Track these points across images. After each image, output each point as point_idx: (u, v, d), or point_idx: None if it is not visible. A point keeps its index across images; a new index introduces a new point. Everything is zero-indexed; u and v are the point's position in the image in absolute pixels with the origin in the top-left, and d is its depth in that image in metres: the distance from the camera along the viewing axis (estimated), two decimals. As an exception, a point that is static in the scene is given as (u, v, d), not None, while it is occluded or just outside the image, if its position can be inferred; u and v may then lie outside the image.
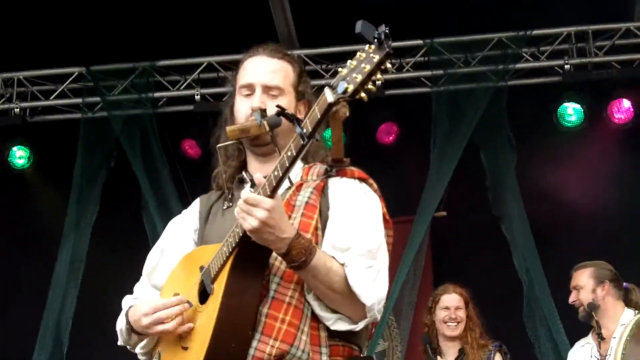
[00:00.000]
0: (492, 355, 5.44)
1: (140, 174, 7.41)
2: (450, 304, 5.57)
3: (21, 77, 7.74)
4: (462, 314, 5.51)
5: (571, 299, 5.32)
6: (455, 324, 5.51)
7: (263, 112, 2.58)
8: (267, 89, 2.74)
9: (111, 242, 7.51)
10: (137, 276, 2.95)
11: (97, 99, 7.66)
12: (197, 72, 7.64)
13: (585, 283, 5.25)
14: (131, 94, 7.62)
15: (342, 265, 2.50)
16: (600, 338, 5.03)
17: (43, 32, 7.24)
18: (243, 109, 2.75)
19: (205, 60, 7.59)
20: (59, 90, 7.74)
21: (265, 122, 2.54)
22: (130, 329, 2.74)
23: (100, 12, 7.11)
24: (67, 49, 7.43)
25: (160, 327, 2.61)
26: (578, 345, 5.40)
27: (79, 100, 7.74)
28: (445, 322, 5.53)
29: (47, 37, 7.27)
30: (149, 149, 7.51)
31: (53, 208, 7.80)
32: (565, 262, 5.66)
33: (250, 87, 2.76)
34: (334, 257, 2.51)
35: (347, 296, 2.49)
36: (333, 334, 2.55)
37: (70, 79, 7.73)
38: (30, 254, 7.71)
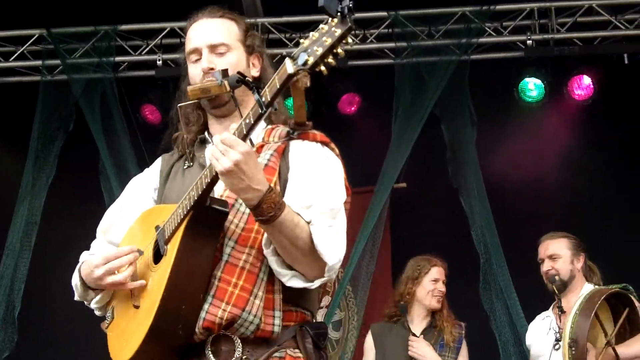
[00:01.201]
0: (462, 336, 5.48)
1: (98, 137, 7.33)
2: (440, 277, 5.58)
3: (-20, 37, 7.62)
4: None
5: (545, 267, 5.28)
6: (441, 296, 5.56)
7: (224, 71, 2.56)
8: (212, 48, 2.75)
9: (67, 206, 7.46)
10: (91, 239, 2.94)
11: (58, 61, 7.55)
12: (159, 38, 7.58)
13: (564, 253, 5.24)
14: (92, 58, 7.51)
15: (308, 223, 2.50)
16: (561, 311, 5.01)
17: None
18: (195, 73, 2.76)
19: (168, 25, 7.53)
20: (19, 52, 7.63)
21: (225, 82, 2.53)
22: (84, 284, 2.73)
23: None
24: (28, 10, 7.32)
25: (110, 279, 2.60)
26: (538, 318, 5.41)
27: (39, 62, 7.63)
28: (434, 295, 5.55)
29: (7, -3, 7.17)
30: (108, 113, 7.43)
31: (9, 171, 7.73)
32: (522, 236, 5.72)
33: (197, 51, 2.77)
34: (299, 214, 2.50)
35: (308, 253, 2.49)
36: (287, 298, 2.57)
37: (31, 41, 7.61)
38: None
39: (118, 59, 7.60)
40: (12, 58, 7.65)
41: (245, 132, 2.38)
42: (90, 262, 2.67)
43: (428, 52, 7.39)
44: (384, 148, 7.21)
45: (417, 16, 7.45)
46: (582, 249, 5.30)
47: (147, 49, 7.62)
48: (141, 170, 3.06)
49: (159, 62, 7.50)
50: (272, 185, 2.47)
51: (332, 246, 2.51)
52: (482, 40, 7.43)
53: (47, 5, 7.26)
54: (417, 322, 5.56)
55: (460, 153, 7.20)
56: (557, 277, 5.20)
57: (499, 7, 7.39)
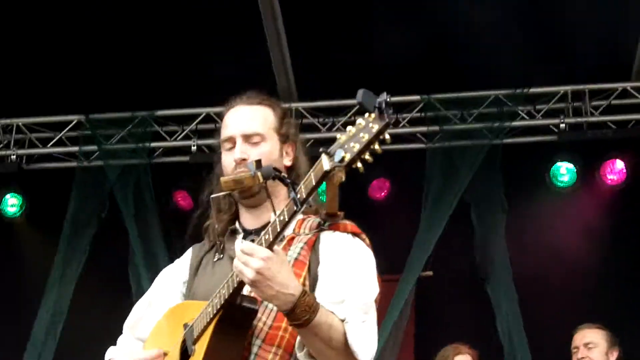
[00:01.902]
0: None
1: (130, 225, 7.39)
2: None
3: (20, 123, 7.78)
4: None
5: (580, 354, 5.22)
6: None
7: (257, 162, 2.53)
8: (246, 137, 2.73)
9: (95, 295, 7.40)
10: (117, 331, 2.92)
11: (94, 147, 7.68)
12: (195, 123, 7.67)
13: (600, 343, 5.18)
14: (128, 144, 7.64)
15: (343, 320, 2.46)
16: None
17: (43, 80, 7.30)
18: (227, 162, 2.74)
19: (204, 111, 7.62)
20: (57, 137, 7.76)
21: (259, 174, 2.51)
22: None
23: (100, 60, 7.18)
24: (66, 96, 7.49)
25: None
26: None
27: (76, 148, 7.76)
28: None
29: (47, 84, 7.33)
30: (141, 200, 7.50)
31: (40, 259, 7.72)
32: (549, 326, 5.59)
33: (231, 140, 2.75)
34: (333, 313, 2.46)
35: (342, 353, 2.45)
36: None
37: (69, 127, 7.75)
38: (13, 305, 7.62)
39: (153, 144, 7.71)
40: (51, 144, 7.79)
41: (278, 230, 2.36)
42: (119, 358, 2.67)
43: (460, 136, 7.38)
44: (413, 234, 7.14)
45: (449, 100, 7.46)
46: (618, 343, 5.22)
47: (183, 134, 7.72)
48: (170, 259, 3.06)
49: (194, 148, 7.59)
50: (305, 288, 2.44)
51: (366, 343, 2.47)
52: (515, 123, 7.40)
53: (86, 91, 7.42)
54: None
55: (488, 240, 7.09)
56: None
57: (533, 90, 7.38)
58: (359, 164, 2.23)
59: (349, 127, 2.25)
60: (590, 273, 7.20)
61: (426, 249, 7.04)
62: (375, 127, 2.17)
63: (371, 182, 7.50)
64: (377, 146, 2.20)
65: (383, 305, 6.79)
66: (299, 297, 2.36)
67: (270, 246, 2.38)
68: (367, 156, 2.21)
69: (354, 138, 2.20)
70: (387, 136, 2.20)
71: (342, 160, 2.21)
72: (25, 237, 7.91)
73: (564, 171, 7.27)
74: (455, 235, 7.20)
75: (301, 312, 2.36)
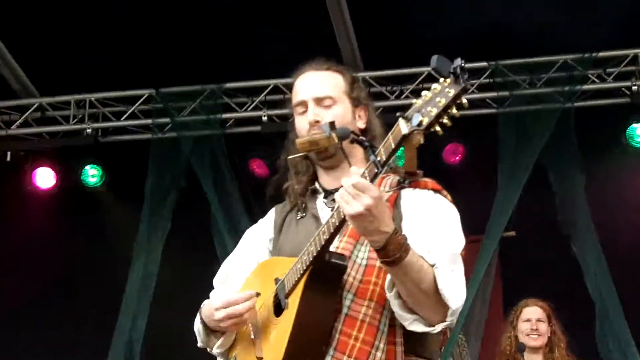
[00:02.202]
0: None
1: (210, 193, 7.52)
2: (532, 316, 5.61)
3: (93, 98, 7.93)
4: (543, 327, 5.54)
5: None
6: (537, 335, 5.52)
7: (331, 124, 2.58)
8: (318, 101, 2.78)
9: (181, 260, 7.60)
10: (206, 293, 2.98)
11: (167, 120, 7.81)
12: (263, 94, 7.75)
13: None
14: (200, 115, 7.75)
15: (432, 265, 2.49)
16: None
17: (115, 55, 7.43)
18: (301, 126, 2.79)
19: (272, 82, 7.70)
20: (130, 111, 7.90)
21: (334, 134, 2.56)
22: (206, 327, 2.79)
23: (169, 35, 7.26)
24: (137, 71, 7.60)
25: (231, 321, 2.66)
26: None
27: (149, 121, 7.91)
28: (528, 335, 5.54)
29: (119, 59, 7.46)
30: (218, 168, 7.62)
31: (124, 226, 7.96)
32: (638, 283, 5.57)
33: (303, 104, 2.80)
34: (423, 257, 2.50)
35: (432, 296, 2.48)
36: (408, 349, 2.56)
37: (141, 101, 7.89)
38: (102, 270, 7.84)
39: (225, 115, 7.81)
40: (124, 117, 7.93)
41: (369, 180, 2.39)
42: (212, 304, 2.72)
43: (531, 101, 7.36)
44: (490, 197, 7.17)
45: (518, 65, 7.45)
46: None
47: (253, 105, 7.80)
48: (251, 222, 3.12)
49: (264, 118, 7.67)
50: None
51: (455, 290, 2.50)
52: (586, 87, 7.38)
53: (156, 65, 7.53)
54: None
55: (569, 201, 7.11)
56: None
57: (601, 54, 7.33)
58: (438, 128, 2.26)
59: (425, 92, 2.28)
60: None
61: (506, 210, 7.07)
62: (452, 92, 2.20)
63: (445, 146, 7.52)
64: (454, 110, 2.23)
65: (468, 265, 6.82)
66: (392, 234, 2.39)
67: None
68: (445, 120, 2.24)
69: (431, 102, 2.23)
70: (464, 100, 2.22)
71: (420, 124, 2.24)
72: (108, 205, 8.12)
73: (640, 132, 7.20)
74: (534, 197, 7.22)
75: (393, 249, 2.39)
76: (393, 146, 2.33)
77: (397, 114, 2.31)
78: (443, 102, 2.20)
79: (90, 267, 7.93)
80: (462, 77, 2.19)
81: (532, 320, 5.56)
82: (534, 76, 7.44)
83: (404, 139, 2.30)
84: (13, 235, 8.01)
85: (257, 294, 2.69)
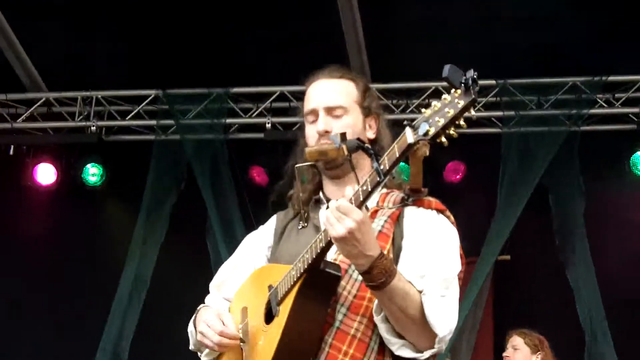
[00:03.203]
0: None
1: (208, 197, 7.51)
2: (509, 344, 5.65)
3: (99, 96, 7.92)
4: (519, 355, 5.50)
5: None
6: None
7: (342, 135, 2.53)
8: (329, 110, 2.75)
9: (176, 264, 7.60)
10: (198, 298, 2.98)
11: (171, 121, 7.80)
12: (269, 101, 7.73)
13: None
14: (204, 119, 7.73)
15: (420, 292, 2.46)
16: None
17: (123, 54, 7.44)
18: (311, 134, 2.77)
19: (278, 89, 7.68)
20: (135, 111, 7.89)
21: (344, 146, 2.51)
22: (195, 330, 2.77)
23: (179, 38, 7.27)
24: (145, 71, 7.61)
25: (206, 341, 2.65)
26: None
27: (154, 122, 7.90)
28: None
29: (127, 59, 7.47)
30: (218, 173, 7.61)
31: (122, 226, 7.97)
32: (630, 315, 5.54)
33: (314, 113, 2.78)
34: (411, 283, 2.47)
35: (419, 323, 2.45)
36: None
37: (147, 101, 7.87)
38: (96, 268, 7.86)
39: (229, 120, 7.79)
40: (129, 117, 7.92)
41: (361, 199, 2.37)
42: (203, 313, 2.72)
43: (536, 122, 7.33)
44: (489, 218, 7.15)
45: (526, 85, 7.42)
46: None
47: (257, 112, 7.79)
48: (247, 231, 3.09)
49: (268, 125, 7.65)
50: (384, 252, 2.45)
51: (443, 317, 2.47)
52: (593, 111, 7.33)
53: (164, 67, 7.54)
54: None
55: (567, 225, 7.08)
56: None
57: (612, 78, 7.29)
58: (444, 139, 2.23)
59: (434, 102, 2.25)
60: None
61: (503, 233, 7.04)
62: (462, 103, 2.17)
63: (446, 164, 7.48)
64: (462, 122, 2.20)
65: (461, 286, 6.85)
66: (377, 258, 2.37)
67: (359, 208, 2.38)
68: (452, 131, 2.21)
69: (439, 112, 2.20)
70: (472, 112, 2.20)
71: (426, 133, 2.21)
72: (107, 205, 8.14)
73: (644, 160, 7.17)
74: (532, 220, 7.19)
75: (377, 274, 2.38)
76: (397, 155, 2.30)
77: (404, 122, 2.28)
78: (452, 112, 2.18)
79: (86, 265, 7.93)
80: (473, 89, 2.17)
81: (509, 348, 5.61)
82: (541, 97, 7.39)
83: (409, 148, 2.27)
84: (10, 229, 8.02)
85: (242, 341, 2.65)
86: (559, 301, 7.10)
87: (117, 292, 7.45)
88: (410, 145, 2.25)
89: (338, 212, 2.34)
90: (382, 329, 2.49)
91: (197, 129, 7.74)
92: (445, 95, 2.22)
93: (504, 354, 5.59)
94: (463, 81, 2.17)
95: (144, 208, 7.66)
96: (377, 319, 2.49)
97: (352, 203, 2.37)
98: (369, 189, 2.36)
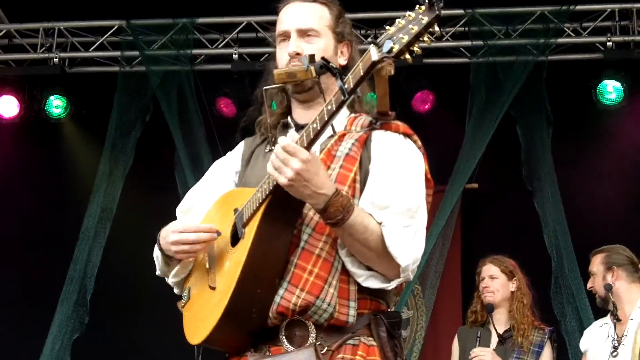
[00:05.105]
0: (544, 341, 5.39)
1: (174, 129, 7.43)
2: (485, 274, 5.62)
3: (62, 27, 7.74)
4: (497, 283, 5.53)
5: (588, 285, 5.41)
6: (489, 293, 5.53)
7: (311, 57, 2.52)
8: (301, 32, 2.72)
9: (142, 196, 7.59)
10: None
11: (136, 53, 7.66)
12: (236, 32, 7.60)
13: (597, 269, 5.28)
14: (170, 50, 7.60)
15: (380, 224, 2.46)
16: (617, 319, 5.04)
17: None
18: (281, 56, 2.75)
19: (245, 19, 7.54)
20: (99, 42, 7.74)
21: (312, 67, 2.48)
22: (163, 254, 2.75)
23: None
24: (108, 1, 7.45)
25: (182, 247, 2.62)
26: (596, 324, 5.39)
27: (118, 53, 7.76)
28: (483, 293, 5.57)
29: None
30: (184, 105, 7.53)
31: (87, 159, 7.90)
32: (596, 242, 5.61)
33: (285, 34, 2.75)
34: (371, 215, 2.47)
35: (382, 255, 2.46)
36: (363, 289, 2.54)
37: (110, 32, 7.72)
38: (61, 202, 7.82)
39: (195, 51, 7.66)
40: (92, 48, 7.78)
41: (312, 137, 2.37)
42: (170, 226, 2.70)
43: (505, 52, 7.32)
44: (457, 147, 7.18)
45: (494, 15, 7.37)
46: (618, 262, 5.28)
47: (224, 42, 7.68)
48: (214, 161, 3.07)
49: (235, 56, 7.54)
50: (348, 181, 2.45)
51: (405, 247, 2.47)
52: (561, 40, 7.33)
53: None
54: (499, 323, 5.53)
55: (535, 155, 7.13)
56: (596, 294, 5.30)
57: (579, 7, 7.27)
58: (408, 56, 2.22)
59: (398, 19, 2.24)
60: (636, 191, 7.20)
61: (471, 161, 7.07)
62: (425, 19, 2.17)
63: (415, 94, 7.44)
64: (426, 38, 2.20)
65: (429, 214, 6.89)
66: (332, 196, 2.38)
67: (310, 144, 2.39)
68: (415, 48, 2.21)
69: (403, 30, 2.20)
70: (436, 28, 2.20)
71: (390, 50, 2.20)
72: (71, 137, 8.02)
73: (611, 89, 7.23)
74: (500, 149, 7.23)
75: (334, 212, 2.39)
76: (362, 73, 2.28)
77: (368, 40, 2.28)
78: (415, 29, 2.18)
79: (52, 198, 7.89)
80: (437, 5, 2.16)
81: (485, 278, 5.58)
82: (509, 27, 7.36)
83: (373, 66, 2.26)
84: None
85: (218, 233, 2.64)
86: (526, 229, 7.18)
87: (83, 224, 7.39)
88: (374, 63, 2.25)
89: (283, 154, 2.34)
90: (347, 262, 2.50)
91: (163, 60, 7.60)
92: (409, 12, 2.22)
93: (483, 285, 5.55)
94: None
95: (109, 140, 7.56)
96: (342, 253, 2.50)
97: (297, 144, 2.36)
98: (334, 109, 2.35)
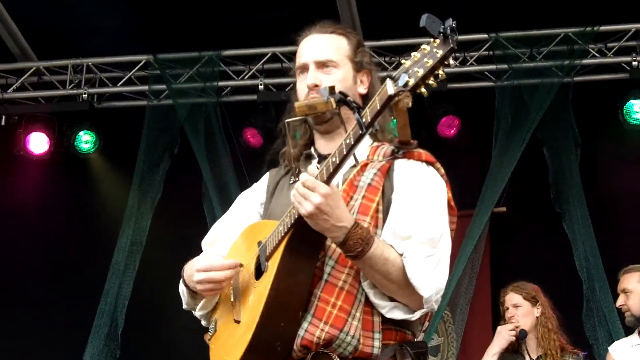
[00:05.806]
0: None
1: (202, 161, 7.48)
2: (508, 304, 5.59)
3: (90, 63, 7.88)
4: (521, 311, 5.49)
5: (618, 302, 5.28)
6: (513, 324, 5.50)
7: (331, 88, 2.53)
8: (319, 64, 2.75)
9: (171, 227, 7.63)
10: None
11: (163, 86, 7.76)
12: (261, 63, 7.67)
13: (634, 287, 5.17)
14: (196, 83, 7.69)
15: (401, 255, 2.47)
16: None
17: (112, 20, 7.37)
18: (301, 88, 2.78)
19: (270, 50, 7.62)
20: (126, 77, 7.85)
21: (332, 99, 2.50)
22: (188, 288, 2.78)
23: (168, 1, 7.20)
24: (135, 36, 7.54)
25: (208, 286, 2.65)
26: (624, 344, 5.27)
27: (146, 87, 7.86)
28: (509, 322, 5.54)
29: (116, 24, 7.41)
30: (212, 137, 7.58)
31: (116, 192, 7.96)
32: (627, 263, 5.56)
33: (304, 66, 2.78)
34: (392, 247, 2.48)
35: (404, 286, 2.47)
36: (387, 320, 2.54)
37: (138, 67, 7.83)
38: (91, 236, 7.89)
39: (221, 83, 7.74)
40: (120, 83, 7.89)
41: (331, 171, 2.39)
42: (193, 264, 2.73)
43: (530, 75, 7.30)
44: (484, 171, 7.16)
45: (518, 38, 7.37)
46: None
47: (250, 73, 7.75)
48: (241, 192, 3.09)
49: (261, 87, 7.60)
50: (370, 212, 2.47)
51: (427, 278, 2.47)
52: (586, 61, 7.30)
53: (154, 31, 7.48)
54: (532, 349, 5.49)
55: (563, 176, 7.08)
56: (627, 313, 5.19)
57: (603, 27, 7.25)
58: (423, 89, 2.25)
59: (413, 53, 2.27)
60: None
61: (499, 185, 7.03)
62: (440, 53, 2.19)
63: (440, 119, 7.44)
64: (441, 71, 2.22)
65: (457, 239, 6.88)
66: (351, 229, 2.40)
67: (330, 178, 2.41)
68: (431, 81, 2.23)
69: (418, 63, 2.23)
70: (451, 61, 2.22)
71: (405, 84, 2.23)
72: (100, 172, 8.09)
73: (638, 109, 7.16)
74: (528, 172, 7.20)
75: (354, 244, 2.41)
76: (379, 107, 2.31)
77: (384, 74, 2.31)
78: (430, 63, 2.20)
79: (81, 232, 7.96)
80: (452, 38, 2.18)
81: (510, 308, 5.55)
82: (533, 49, 7.36)
83: (390, 100, 2.28)
84: (4, 200, 8.02)
85: (241, 265, 2.66)
86: (556, 252, 7.12)
87: (113, 257, 7.46)
88: (390, 97, 2.27)
89: (304, 189, 2.37)
90: (370, 294, 2.51)
91: (190, 93, 7.69)
92: (424, 45, 2.24)
93: (508, 315, 5.52)
94: (441, 30, 2.19)
95: (138, 174, 7.64)
96: (365, 285, 2.51)
97: (318, 178, 2.39)
98: (352, 142, 2.37)
